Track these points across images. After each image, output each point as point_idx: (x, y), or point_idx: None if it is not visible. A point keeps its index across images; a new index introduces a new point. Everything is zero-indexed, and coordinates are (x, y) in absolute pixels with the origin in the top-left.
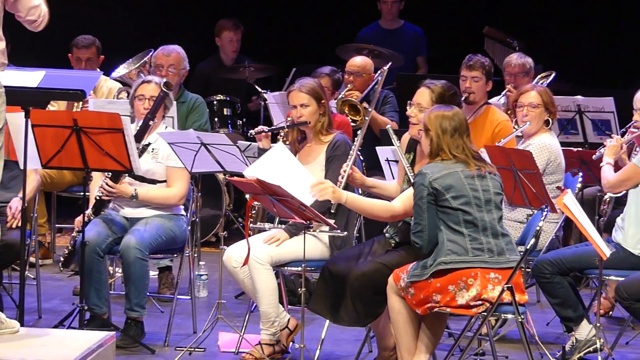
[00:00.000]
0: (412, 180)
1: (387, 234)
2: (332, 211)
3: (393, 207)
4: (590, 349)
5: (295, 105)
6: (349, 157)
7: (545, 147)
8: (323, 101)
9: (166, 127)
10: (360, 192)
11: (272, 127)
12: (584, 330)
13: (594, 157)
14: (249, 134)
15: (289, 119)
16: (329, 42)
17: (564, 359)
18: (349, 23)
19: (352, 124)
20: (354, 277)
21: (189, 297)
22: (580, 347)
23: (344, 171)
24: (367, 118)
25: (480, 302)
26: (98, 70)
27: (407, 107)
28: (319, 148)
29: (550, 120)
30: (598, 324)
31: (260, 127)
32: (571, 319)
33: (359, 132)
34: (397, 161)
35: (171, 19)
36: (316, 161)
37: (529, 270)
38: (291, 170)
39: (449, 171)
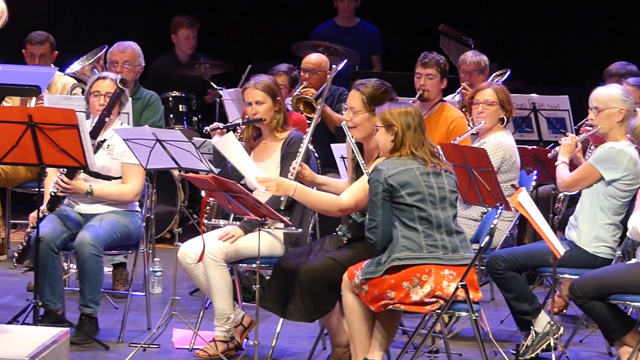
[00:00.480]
0: (367, 177)
1: (339, 232)
2: (282, 207)
3: (340, 201)
4: (544, 346)
5: (251, 103)
6: (298, 154)
7: (500, 145)
8: (278, 98)
9: (121, 123)
10: None
11: (227, 124)
12: (543, 322)
13: (549, 155)
14: (204, 131)
15: (246, 116)
16: (285, 39)
17: (518, 357)
18: (305, 20)
19: (308, 121)
20: (304, 272)
21: (144, 294)
22: (535, 345)
23: (293, 168)
24: (316, 115)
25: (434, 299)
26: (52, 66)
27: (343, 111)
28: (274, 145)
29: (505, 119)
30: (552, 322)
31: (215, 124)
32: (528, 312)
33: (308, 130)
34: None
35: (126, 15)
36: (271, 158)
37: (483, 267)
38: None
39: (404, 167)
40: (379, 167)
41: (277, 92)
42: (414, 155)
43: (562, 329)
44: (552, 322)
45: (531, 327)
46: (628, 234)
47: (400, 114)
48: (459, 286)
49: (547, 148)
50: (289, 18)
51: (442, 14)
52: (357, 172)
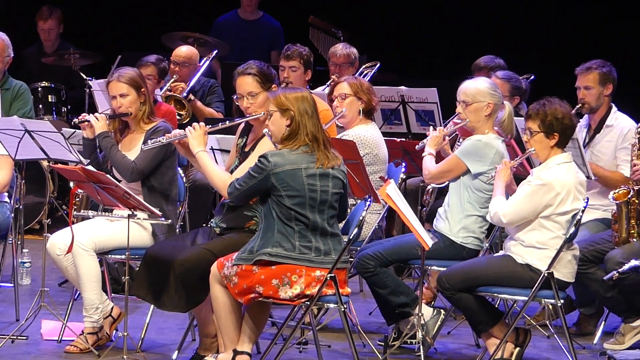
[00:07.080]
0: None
1: (212, 224)
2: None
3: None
4: (413, 340)
5: (115, 96)
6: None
7: (359, 138)
8: (143, 89)
9: None
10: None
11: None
12: (427, 311)
13: (417, 147)
14: (73, 122)
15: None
16: (155, 30)
17: (387, 348)
18: (175, 11)
19: (178, 117)
20: (178, 263)
21: (12, 285)
22: (403, 336)
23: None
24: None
25: (304, 298)
26: None
27: (236, 102)
28: (140, 136)
29: (362, 110)
30: (420, 314)
31: (83, 116)
32: (407, 304)
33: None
34: (222, 150)
35: None
36: (137, 148)
37: (352, 259)
38: None
39: (292, 167)
40: (269, 157)
41: (141, 83)
42: (309, 147)
43: (442, 312)
44: (421, 314)
45: (409, 318)
46: (488, 217)
47: (297, 99)
48: (328, 278)
49: (416, 141)
50: (159, 8)
51: (311, 5)
52: (242, 154)
